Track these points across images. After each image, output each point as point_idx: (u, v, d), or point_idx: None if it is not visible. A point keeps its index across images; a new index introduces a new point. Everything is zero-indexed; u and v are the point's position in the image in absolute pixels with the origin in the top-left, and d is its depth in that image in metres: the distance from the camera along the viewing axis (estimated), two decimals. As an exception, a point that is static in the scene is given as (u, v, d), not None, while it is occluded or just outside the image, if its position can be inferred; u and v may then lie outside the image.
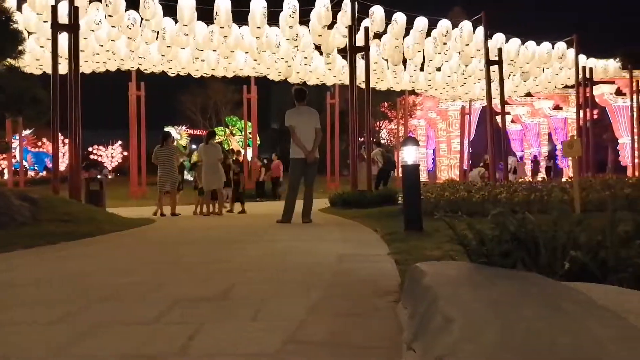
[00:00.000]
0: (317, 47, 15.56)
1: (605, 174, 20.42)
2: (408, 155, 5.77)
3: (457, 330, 1.48)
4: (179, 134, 26.61)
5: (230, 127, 38.89)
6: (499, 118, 16.59)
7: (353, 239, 5.70)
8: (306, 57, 15.81)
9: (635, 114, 22.58)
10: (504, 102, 16.13)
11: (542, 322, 1.52)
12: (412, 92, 23.73)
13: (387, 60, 16.51)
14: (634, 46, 22.17)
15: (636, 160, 22.88)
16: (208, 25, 14.47)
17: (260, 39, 14.33)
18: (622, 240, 2.36)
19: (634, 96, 22.40)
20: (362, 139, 15.27)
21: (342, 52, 15.41)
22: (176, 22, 13.89)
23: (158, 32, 14.14)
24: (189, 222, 9.46)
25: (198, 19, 14.11)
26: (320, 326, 2.21)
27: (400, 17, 14.47)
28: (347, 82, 13.23)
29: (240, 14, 13.98)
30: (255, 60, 15.77)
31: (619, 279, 2.19)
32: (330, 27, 14.43)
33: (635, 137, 22.70)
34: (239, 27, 14.56)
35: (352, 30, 12.32)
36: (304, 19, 14.26)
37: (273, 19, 14.06)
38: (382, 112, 34.63)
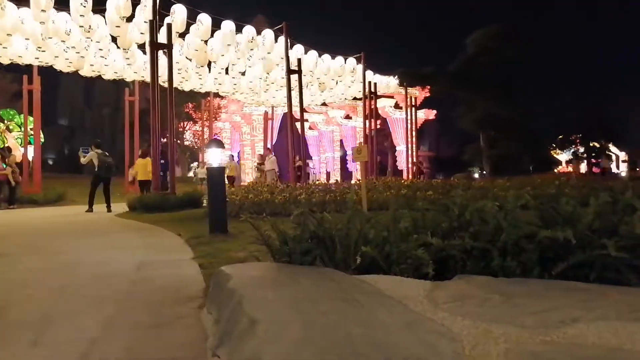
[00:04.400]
0: (115, 39, 14.35)
1: (386, 176, 23.19)
2: (213, 157, 5.70)
3: (262, 331, 1.49)
4: None
5: (6, 121, 33.52)
6: (298, 124, 17.55)
7: (154, 244, 5.39)
8: (101, 49, 14.46)
9: (409, 125, 26.19)
10: (303, 110, 17.13)
11: (339, 315, 1.63)
12: (217, 95, 23.60)
13: (191, 60, 16.10)
14: (408, 67, 25.75)
15: (409, 165, 26.53)
16: (-24, 2, 12.17)
17: (46, 24, 12.64)
18: (403, 235, 2.68)
19: (409, 110, 25.97)
20: (165, 139, 14.64)
21: (143, 47, 14.51)
22: None
23: None
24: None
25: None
26: (116, 343, 2.02)
27: (205, 19, 14.24)
28: (148, 79, 12.50)
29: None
30: (39, 48, 13.83)
31: (401, 269, 2.47)
32: (130, 19, 13.47)
33: (409, 145, 26.31)
34: (18, 7, 12.58)
35: (154, 25, 11.71)
36: (100, 8, 13.03)
37: (62, 2, 12.51)
38: (187, 113, 33.69)
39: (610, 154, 38.84)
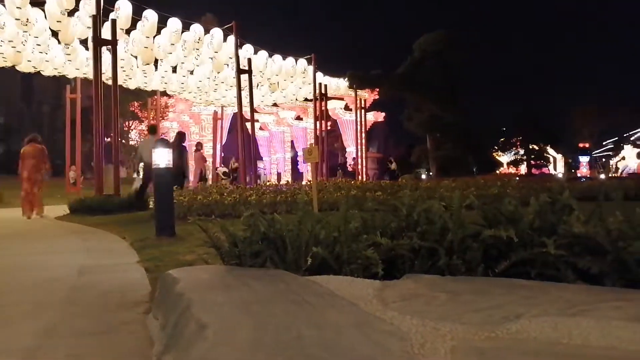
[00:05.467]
0: (56, 34, 13.70)
1: (336, 177, 23.36)
2: (160, 157, 5.54)
3: (212, 335, 1.46)
4: None
5: None
6: (249, 124, 17.38)
7: (97, 248, 5.19)
8: (41, 44, 13.75)
9: (359, 127, 26.52)
10: (253, 110, 16.99)
11: (290, 317, 1.62)
12: (164, 94, 23.02)
13: (136, 57, 15.62)
14: (358, 70, 26.03)
15: (359, 166, 26.87)
16: None
17: (-23, 15, 11.92)
18: (353, 235, 2.70)
19: (358, 112, 26.30)
20: (109, 139, 14.15)
21: (86, 43, 13.93)
22: None
23: None
24: None
25: None
26: (57, 352, 1.92)
27: (151, 15, 13.85)
28: (91, 76, 12.02)
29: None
30: (-31, 40, 13.01)
31: (351, 269, 2.49)
32: (72, 13, 12.90)
33: (359, 147, 26.65)
34: (-54, -4, 11.81)
35: (97, 20, 11.27)
36: (39, 0, 12.40)
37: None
38: (132, 112, 32.61)
39: (548, 156, 40.82)
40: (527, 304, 1.73)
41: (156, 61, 16.12)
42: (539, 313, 1.61)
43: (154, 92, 22.76)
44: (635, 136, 50.94)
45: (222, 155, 26.80)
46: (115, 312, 2.47)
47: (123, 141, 29.55)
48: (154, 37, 14.53)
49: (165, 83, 18.21)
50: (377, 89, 28.68)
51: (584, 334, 1.45)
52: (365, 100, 27.69)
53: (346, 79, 25.24)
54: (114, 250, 5.00)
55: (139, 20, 13.83)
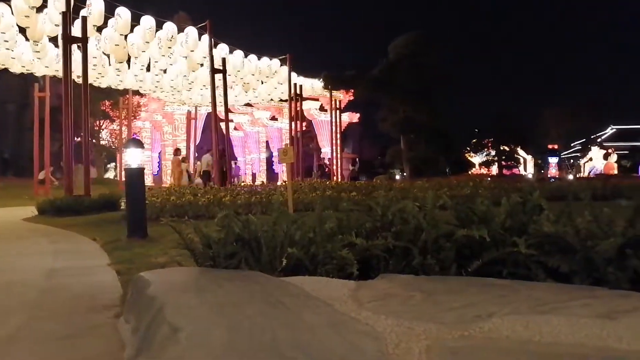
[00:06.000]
0: (23, 30, 13.32)
1: (311, 178, 23.37)
2: (132, 157, 5.44)
3: (185, 338, 1.44)
4: None
5: None
6: (223, 124, 17.23)
7: (66, 250, 5.06)
8: (7, 41, 13.35)
9: (334, 127, 26.58)
10: (227, 110, 16.84)
11: (264, 318, 1.61)
12: (137, 93, 22.60)
13: (109, 55, 15.31)
14: (332, 71, 26.12)
15: (334, 167, 26.95)
16: None
17: (-60, 10, 11.50)
18: (328, 236, 2.70)
19: (334, 112, 26.37)
20: (79, 138, 13.85)
21: (56, 40, 13.58)
22: None
23: None
24: None
25: None
26: (23, 357, 1.86)
27: (124, 12, 13.60)
28: (61, 74, 11.72)
29: None
30: None
31: (326, 270, 2.49)
32: (41, 9, 12.57)
33: (334, 147, 26.72)
34: None
35: (67, 17, 11.01)
36: (4, -5, 12.05)
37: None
38: (103, 111, 31.91)
39: (518, 157, 41.66)
40: (499, 302, 1.75)
41: (129, 59, 15.84)
42: (511, 311, 1.64)
43: (125, 91, 22.36)
44: (602, 138, 52.48)
45: (196, 155, 26.50)
46: (85, 316, 2.41)
47: (94, 141, 28.95)
48: (126, 35, 14.27)
49: (140, 81, 17.91)
50: (352, 90, 28.80)
51: (555, 332, 1.48)
52: (340, 101, 27.78)
53: (321, 79, 25.28)
54: (84, 252, 4.89)
55: (111, 17, 13.58)
